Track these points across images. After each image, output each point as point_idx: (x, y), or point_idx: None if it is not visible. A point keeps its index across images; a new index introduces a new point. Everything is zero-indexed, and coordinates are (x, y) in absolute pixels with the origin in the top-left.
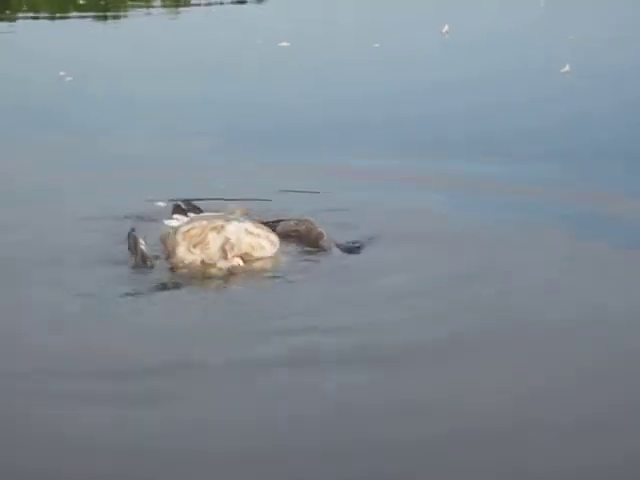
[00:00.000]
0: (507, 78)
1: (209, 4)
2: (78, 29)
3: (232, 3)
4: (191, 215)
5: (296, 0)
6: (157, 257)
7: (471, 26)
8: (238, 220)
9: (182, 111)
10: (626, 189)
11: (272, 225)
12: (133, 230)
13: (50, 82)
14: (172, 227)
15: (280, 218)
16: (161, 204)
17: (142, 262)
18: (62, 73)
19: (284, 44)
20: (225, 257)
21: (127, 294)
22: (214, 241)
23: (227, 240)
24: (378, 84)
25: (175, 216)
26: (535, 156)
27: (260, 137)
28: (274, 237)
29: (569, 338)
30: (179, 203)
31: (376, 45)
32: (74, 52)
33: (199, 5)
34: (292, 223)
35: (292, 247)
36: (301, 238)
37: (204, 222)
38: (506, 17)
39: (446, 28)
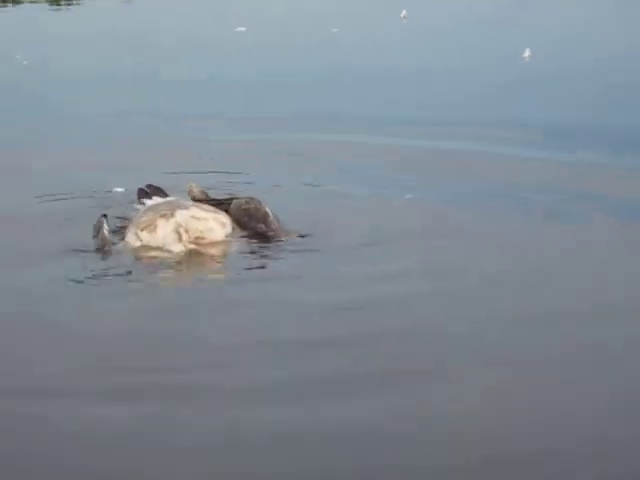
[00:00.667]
0: (464, 63)
1: None
2: (32, 13)
3: None
4: (156, 199)
5: None
6: (115, 243)
7: (430, 10)
8: (186, 208)
9: (139, 91)
10: None
11: (226, 203)
12: (104, 216)
13: (6, 65)
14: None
15: (233, 196)
16: (119, 190)
17: (102, 246)
18: (18, 56)
19: (240, 29)
20: (180, 239)
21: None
22: (163, 227)
23: (179, 225)
24: (334, 68)
25: (142, 200)
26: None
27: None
28: (223, 218)
29: None
30: (143, 187)
31: (334, 30)
32: (29, 36)
33: None
34: (243, 202)
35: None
36: (251, 216)
37: (152, 212)
38: (466, 3)
39: (404, 13)
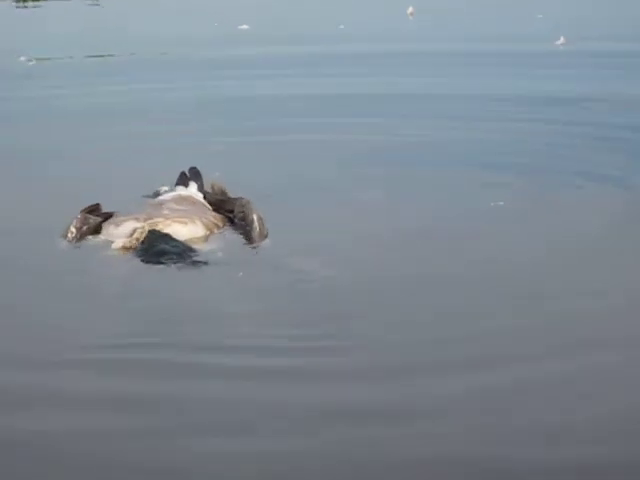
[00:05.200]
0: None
1: None
2: None
3: None
4: (180, 189)
5: None
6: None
7: (438, 6)
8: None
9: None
10: None
11: (233, 201)
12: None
13: None
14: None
15: (238, 196)
16: (165, 188)
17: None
18: None
19: (244, 27)
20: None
21: None
22: (126, 225)
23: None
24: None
25: (175, 187)
26: None
27: None
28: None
29: None
30: (185, 171)
31: (341, 27)
32: None
33: None
34: (240, 204)
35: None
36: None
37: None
38: None
39: (410, 10)
